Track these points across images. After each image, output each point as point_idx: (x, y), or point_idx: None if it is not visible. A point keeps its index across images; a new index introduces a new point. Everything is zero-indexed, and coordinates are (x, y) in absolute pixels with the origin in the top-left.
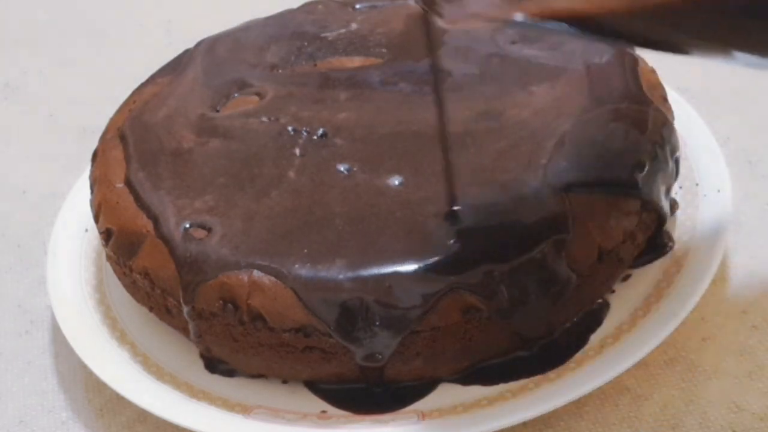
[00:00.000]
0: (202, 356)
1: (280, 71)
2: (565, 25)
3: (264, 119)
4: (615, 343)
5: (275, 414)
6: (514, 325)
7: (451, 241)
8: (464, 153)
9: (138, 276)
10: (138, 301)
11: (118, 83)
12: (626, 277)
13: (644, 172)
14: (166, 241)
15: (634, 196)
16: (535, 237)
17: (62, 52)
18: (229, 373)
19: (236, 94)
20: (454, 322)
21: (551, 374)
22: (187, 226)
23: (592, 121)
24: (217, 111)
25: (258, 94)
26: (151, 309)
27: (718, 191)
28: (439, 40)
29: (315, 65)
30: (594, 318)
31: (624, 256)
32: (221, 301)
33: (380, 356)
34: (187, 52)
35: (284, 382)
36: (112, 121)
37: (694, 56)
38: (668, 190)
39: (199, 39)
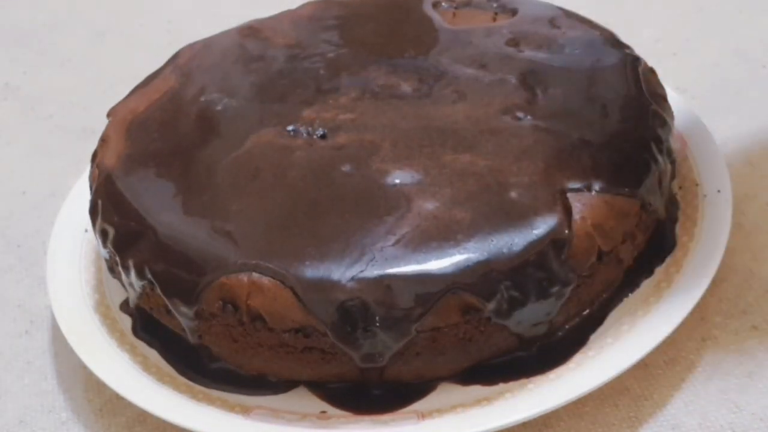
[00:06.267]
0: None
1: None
2: None
3: (264, 119)
4: (615, 343)
5: (275, 414)
6: (514, 325)
7: (452, 242)
8: (463, 153)
9: (135, 276)
10: (137, 301)
11: (118, 83)
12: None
13: (643, 173)
14: (165, 240)
15: (633, 196)
16: (535, 237)
17: (62, 52)
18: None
19: (236, 95)
20: (454, 323)
21: (551, 374)
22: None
23: (591, 122)
24: (218, 111)
25: (258, 94)
26: (150, 309)
27: (718, 191)
28: (440, 40)
29: (316, 65)
30: (594, 318)
31: (624, 256)
32: (221, 302)
33: (380, 358)
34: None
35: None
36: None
37: None
38: (667, 191)
39: (198, 39)
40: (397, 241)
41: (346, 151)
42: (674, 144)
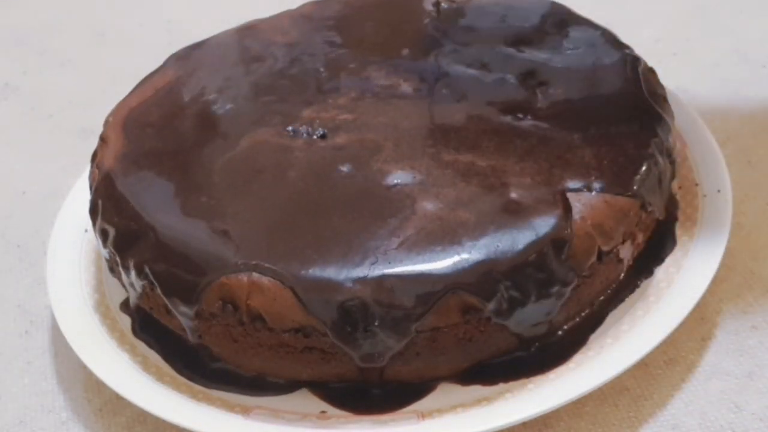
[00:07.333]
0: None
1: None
2: None
3: (263, 119)
4: (615, 343)
5: (275, 414)
6: (514, 325)
7: (456, 244)
8: (464, 153)
9: (135, 276)
10: (138, 301)
11: (118, 83)
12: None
13: (643, 173)
14: (166, 240)
15: (633, 196)
16: (536, 237)
17: (62, 52)
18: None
19: (236, 94)
20: (454, 323)
21: (551, 374)
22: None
23: (591, 122)
24: (217, 110)
25: (258, 94)
26: (150, 309)
27: (718, 191)
28: (440, 40)
29: (315, 65)
30: (594, 318)
31: (624, 256)
32: (221, 302)
33: (380, 358)
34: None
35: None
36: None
37: None
38: (667, 191)
39: (199, 39)
40: (401, 244)
41: (346, 151)
42: (674, 144)
